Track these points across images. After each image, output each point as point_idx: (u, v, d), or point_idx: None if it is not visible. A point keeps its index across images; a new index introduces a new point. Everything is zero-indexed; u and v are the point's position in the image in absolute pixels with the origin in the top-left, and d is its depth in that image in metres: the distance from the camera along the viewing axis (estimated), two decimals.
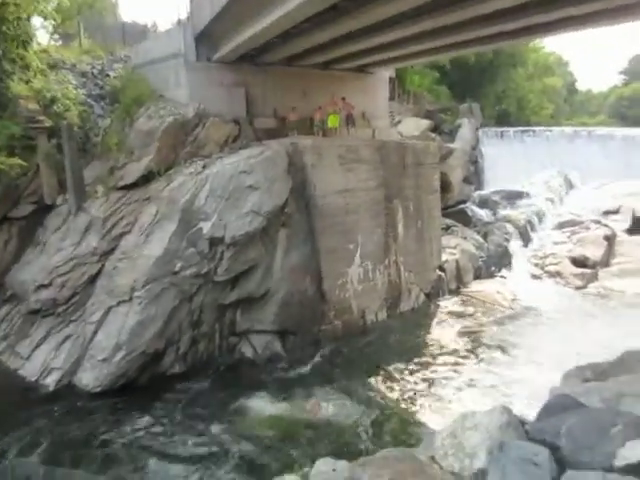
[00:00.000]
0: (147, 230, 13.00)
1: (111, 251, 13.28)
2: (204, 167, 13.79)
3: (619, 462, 2.57)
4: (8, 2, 14.48)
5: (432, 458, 3.87)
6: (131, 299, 12.00)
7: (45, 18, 18.64)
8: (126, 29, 23.27)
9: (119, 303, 12.09)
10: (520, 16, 12.52)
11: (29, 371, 11.99)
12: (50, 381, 11.62)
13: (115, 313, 12.03)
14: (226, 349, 12.84)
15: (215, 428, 10.00)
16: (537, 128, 31.97)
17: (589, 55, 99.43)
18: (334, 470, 4.18)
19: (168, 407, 10.77)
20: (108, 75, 17.83)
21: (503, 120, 37.73)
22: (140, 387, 11.37)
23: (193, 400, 11.05)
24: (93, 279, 13.02)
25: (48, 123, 14.50)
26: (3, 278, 14.22)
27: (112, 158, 15.02)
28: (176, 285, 12.15)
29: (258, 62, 17.10)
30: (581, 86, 63.59)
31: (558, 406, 3.78)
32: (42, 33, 22.44)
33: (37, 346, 12.47)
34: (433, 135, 27.27)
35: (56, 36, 23.11)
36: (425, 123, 27.90)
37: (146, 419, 10.32)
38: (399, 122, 26.48)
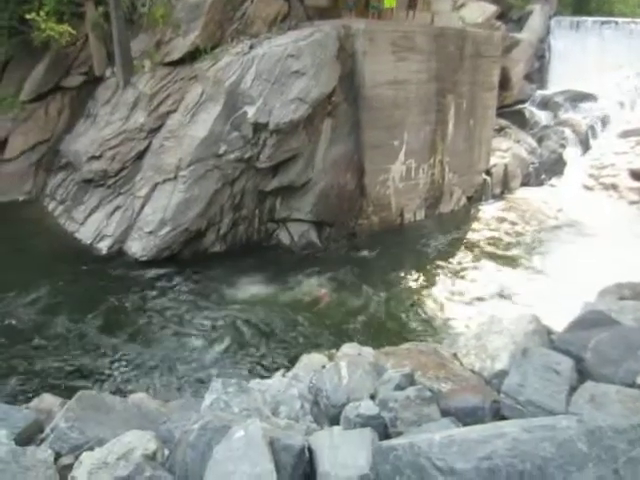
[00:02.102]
0: (192, 110, 12.96)
1: (158, 128, 13.48)
2: (251, 47, 13.21)
3: None
4: None
5: (454, 355, 4.11)
6: (176, 177, 12.40)
7: None
8: None
9: (165, 181, 12.56)
10: None
11: (84, 235, 13.01)
12: (102, 246, 12.60)
13: (161, 190, 12.55)
14: (264, 234, 13.34)
15: (244, 306, 10.71)
16: (621, 19, 27.99)
17: None
18: (359, 354, 4.52)
19: (204, 281, 11.54)
20: None
21: (582, 8, 33.08)
22: (182, 260, 12.19)
23: (229, 277, 11.72)
24: (141, 155, 13.45)
25: None
26: (58, 146, 14.89)
27: (159, 31, 14.54)
28: (219, 168, 12.36)
29: None
30: None
31: (589, 321, 3.85)
32: None
33: (90, 213, 13.40)
34: (498, 23, 24.69)
35: None
36: (491, 9, 25.04)
37: (183, 290, 11.18)
38: (462, 6, 23.90)
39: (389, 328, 10.12)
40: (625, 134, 21.11)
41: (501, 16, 26.00)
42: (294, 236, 13.23)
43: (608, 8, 34.51)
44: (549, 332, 3.94)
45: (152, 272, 11.68)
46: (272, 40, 13.41)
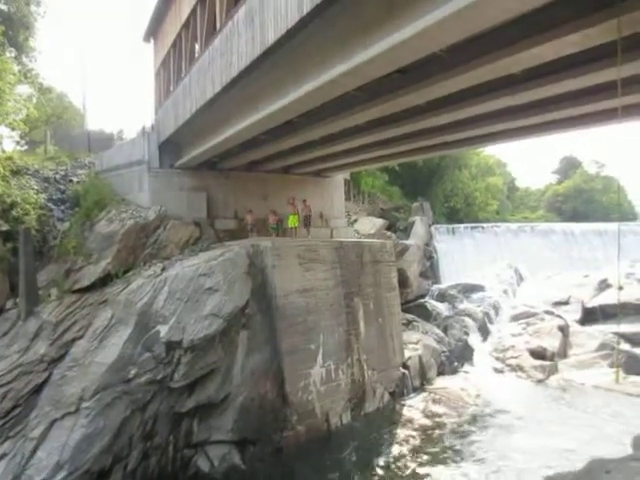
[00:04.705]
0: (101, 335, 12.53)
1: (60, 358, 12.63)
2: (163, 269, 13.75)
3: None
4: None
5: None
6: (78, 410, 11.23)
7: (13, 129, 19.25)
8: (92, 137, 24.16)
9: (64, 415, 11.27)
10: (460, 129, 13.87)
11: None
12: None
13: (59, 427, 11.14)
14: (180, 463, 11.88)
15: None
16: (485, 224, 34.10)
17: (524, 156, 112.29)
18: None
19: None
20: (71, 180, 18.17)
21: (453, 216, 40.02)
22: None
23: None
24: (39, 389, 12.19)
25: (5, 227, 14.41)
26: None
27: (69, 260, 14.82)
28: (129, 393, 11.50)
29: (219, 168, 17.87)
30: (520, 184, 68.97)
31: None
32: (8, 140, 22.98)
33: None
34: (388, 233, 28.44)
35: (22, 141, 23.68)
36: (380, 222, 29.19)
37: None
38: (355, 221, 27.63)
39: None
40: (515, 317, 23.62)
41: (389, 227, 30.16)
42: (214, 461, 11.91)
43: (474, 215, 41.88)
44: None
45: None
46: (184, 261, 14.13)
